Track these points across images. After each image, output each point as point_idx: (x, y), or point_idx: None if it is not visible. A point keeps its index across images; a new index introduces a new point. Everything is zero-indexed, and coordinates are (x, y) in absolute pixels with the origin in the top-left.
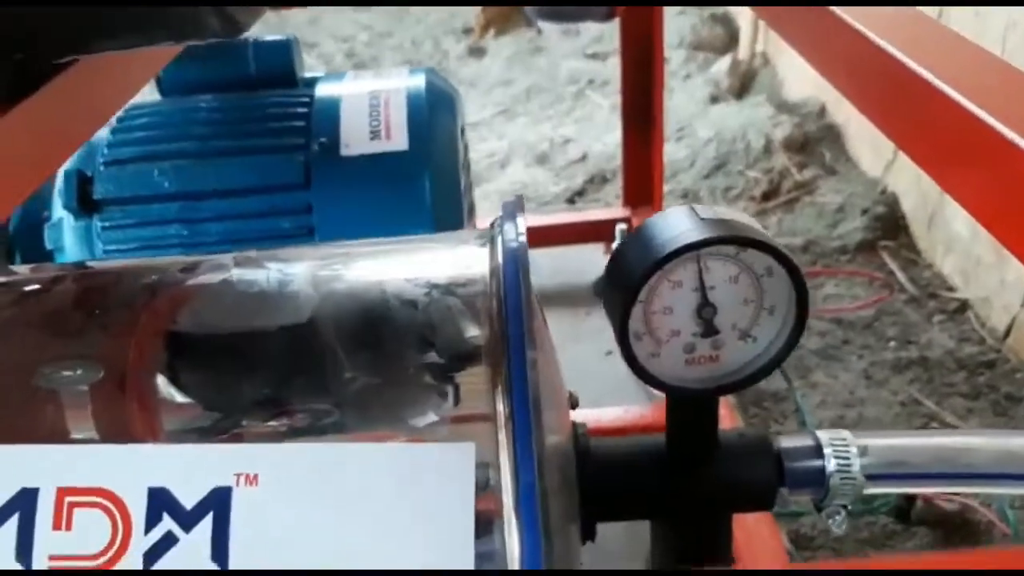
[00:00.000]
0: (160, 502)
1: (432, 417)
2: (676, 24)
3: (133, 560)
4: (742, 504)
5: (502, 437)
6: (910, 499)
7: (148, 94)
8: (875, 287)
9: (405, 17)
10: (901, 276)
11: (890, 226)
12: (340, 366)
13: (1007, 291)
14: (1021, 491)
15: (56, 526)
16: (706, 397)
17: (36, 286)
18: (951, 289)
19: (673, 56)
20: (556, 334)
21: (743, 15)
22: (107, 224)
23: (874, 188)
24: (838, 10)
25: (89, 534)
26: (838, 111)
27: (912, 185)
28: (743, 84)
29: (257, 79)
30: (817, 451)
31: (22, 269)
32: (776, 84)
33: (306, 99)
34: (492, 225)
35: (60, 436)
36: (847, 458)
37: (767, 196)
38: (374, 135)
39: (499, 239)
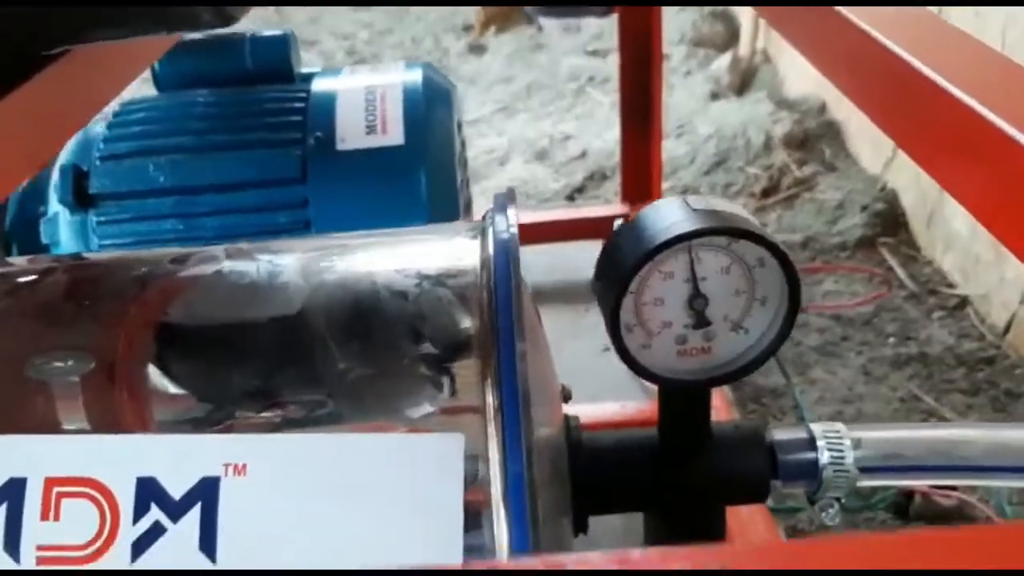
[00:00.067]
0: (148, 492)
1: (422, 408)
2: (677, 21)
3: (121, 550)
4: (735, 496)
5: (491, 429)
6: (908, 495)
7: (145, 89)
8: (874, 283)
9: (405, 15)
10: (901, 273)
11: (890, 223)
12: (330, 357)
13: (1007, 288)
14: (1015, 483)
15: (44, 516)
16: (698, 389)
17: (27, 278)
18: (951, 286)
19: (674, 53)
20: (554, 330)
21: (744, 12)
22: (103, 219)
23: (874, 185)
24: (839, 9)
25: (77, 524)
26: (838, 108)
27: (912, 182)
28: (744, 81)
29: (254, 74)
30: (810, 443)
31: (17, 261)
32: (777, 81)
33: (302, 94)
34: (484, 217)
35: (49, 426)
36: (840, 450)
37: (767, 192)
38: (370, 130)
39: (490, 231)
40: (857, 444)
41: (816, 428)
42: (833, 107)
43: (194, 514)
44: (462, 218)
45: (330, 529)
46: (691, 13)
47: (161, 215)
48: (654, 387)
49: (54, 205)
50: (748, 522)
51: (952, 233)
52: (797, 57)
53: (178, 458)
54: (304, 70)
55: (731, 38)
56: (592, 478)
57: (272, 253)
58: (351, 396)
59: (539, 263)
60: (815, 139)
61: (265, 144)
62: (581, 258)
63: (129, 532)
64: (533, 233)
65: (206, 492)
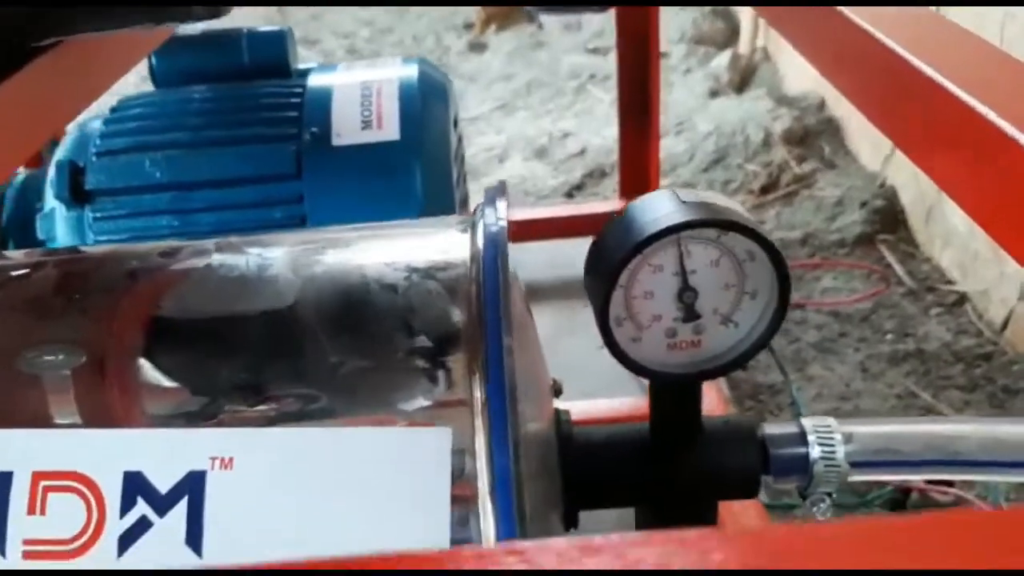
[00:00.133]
0: (135, 486)
1: (410, 402)
2: (677, 19)
3: (107, 544)
4: (726, 491)
5: (478, 423)
6: (905, 491)
7: (145, 87)
8: (873, 280)
9: (406, 13)
10: (899, 269)
11: (888, 219)
12: (318, 350)
13: (1005, 284)
14: (1007, 478)
15: (31, 510)
16: (689, 382)
17: (17, 271)
18: (949, 282)
19: (674, 50)
20: (552, 326)
21: (744, 10)
22: (99, 215)
23: (873, 182)
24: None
25: (64, 518)
26: (838, 105)
27: (911, 179)
28: (743, 78)
29: (251, 70)
30: (801, 438)
31: (7, 254)
32: (776, 78)
33: (299, 89)
34: (475, 211)
35: (39, 420)
36: (831, 445)
37: (766, 190)
38: (366, 125)
39: (480, 224)
40: (848, 439)
41: (807, 423)
42: (832, 104)
43: (181, 508)
44: (458, 213)
45: (317, 523)
46: (691, 11)
47: (157, 211)
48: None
49: (50, 201)
50: (744, 520)
51: (951, 230)
52: (797, 55)
53: (164, 452)
54: (301, 66)
55: (731, 36)
56: (582, 472)
57: (262, 246)
58: (339, 389)
59: (537, 260)
60: (814, 136)
61: (260, 140)
62: (579, 255)
63: (116, 526)
64: (532, 230)
65: (192, 486)
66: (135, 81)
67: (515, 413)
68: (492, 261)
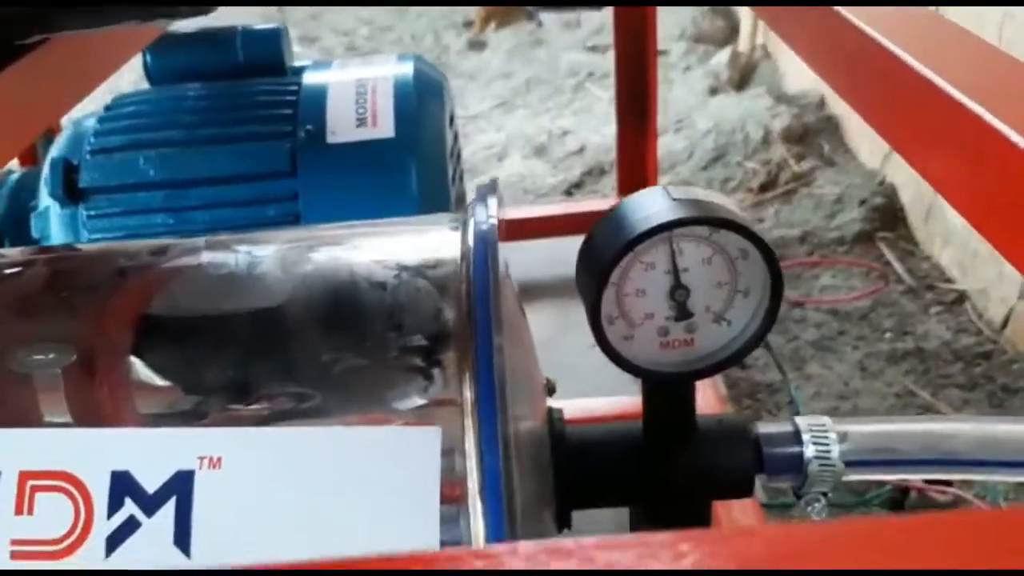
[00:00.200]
0: (122, 486)
1: (400, 401)
2: (677, 16)
3: (95, 545)
4: (720, 490)
5: (468, 422)
6: (903, 491)
7: (139, 83)
8: (872, 278)
9: (406, 11)
10: (898, 267)
11: (888, 217)
12: (307, 349)
13: (1004, 283)
14: (1002, 478)
15: (18, 510)
16: (682, 381)
17: (8, 269)
18: (949, 280)
19: (673, 48)
20: (549, 325)
21: (744, 8)
22: (93, 213)
23: (872, 179)
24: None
25: (51, 518)
26: (837, 103)
27: (910, 177)
28: (743, 76)
29: (246, 67)
30: (796, 437)
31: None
32: (776, 76)
33: (293, 87)
34: (466, 208)
35: (27, 419)
36: (826, 444)
37: (765, 187)
38: (360, 122)
39: (471, 222)
40: (843, 438)
41: (801, 422)
42: (832, 102)
43: (168, 508)
44: (454, 211)
45: (305, 522)
46: (691, 9)
47: (151, 209)
48: None
49: (45, 199)
50: (740, 519)
51: (950, 228)
52: None
53: (152, 452)
54: (296, 63)
55: (731, 33)
56: (575, 472)
57: (252, 244)
58: (328, 388)
59: (536, 258)
60: (814, 134)
61: (255, 137)
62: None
63: (103, 526)
64: (530, 228)
65: (180, 486)
66: (133, 79)
67: (505, 412)
68: (482, 259)
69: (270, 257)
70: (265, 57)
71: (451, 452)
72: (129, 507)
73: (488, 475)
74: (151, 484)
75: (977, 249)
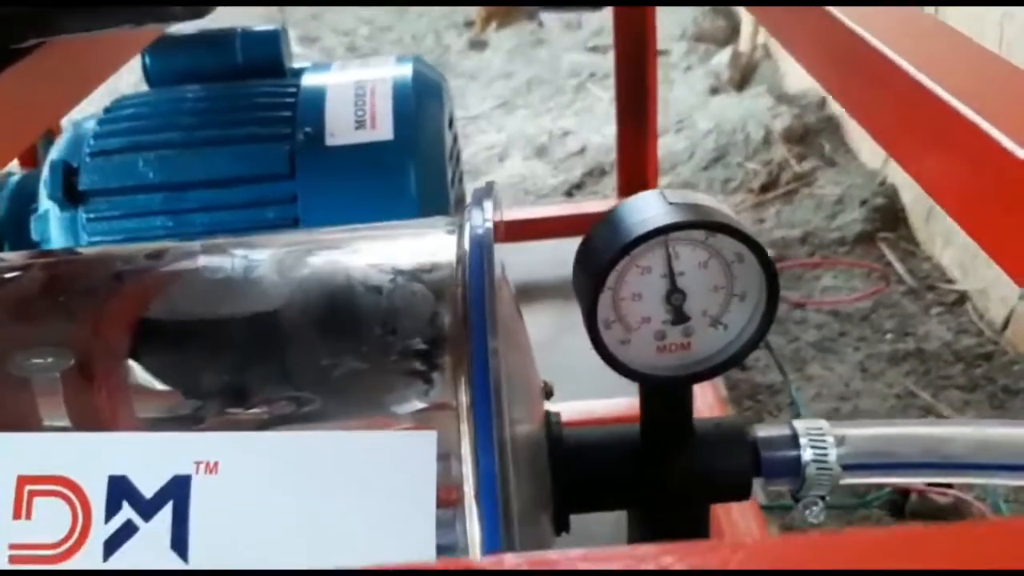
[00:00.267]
0: (120, 491)
1: (396, 405)
2: (678, 16)
3: (93, 549)
4: (717, 494)
5: (464, 426)
6: (904, 493)
7: (140, 85)
8: (873, 279)
9: (407, 11)
10: (899, 268)
11: (889, 218)
12: (303, 353)
13: (1005, 283)
14: (999, 481)
15: (16, 515)
16: (679, 385)
17: (5, 273)
18: (949, 281)
19: (674, 48)
20: (551, 326)
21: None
22: (92, 215)
23: (873, 180)
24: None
25: (49, 523)
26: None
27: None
28: (744, 76)
29: (245, 69)
30: (793, 441)
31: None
32: (777, 76)
33: (292, 89)
34: (462, 212)
35: (25, 423)
36: (823, 448)
37: (766, 188)
38: (359, 124)
39: (467, 225)
40: (840, 441)
41: (799, 425)
42: (833, 102)
43: (166, 512)
44: (453, 213)
45: (301, 527)
46: (692, 8)
47: (150, 211)
48: None
49: (44, 202)
50: (740, 521)
51: (951, 228)
52: None
53: (149, 456)
54: (295, 65)
55: (732, 33)
56: (572, 475)
57: (249, 248)
58: (323, 393)
59: (537, 259)
60: (815, 134)
61: (254, 139)
62: None
63: (101, 531)
64: (531, 229)
65: (177, 490)
66: (133, 81)
67: (501, 416)
68: (478, 263)
69: (267, 261)
70: (264, 59)
71: (447, 456)
72: (127, 511)
73: (484, 479)
74: (148, 488)
75: (978, 250)
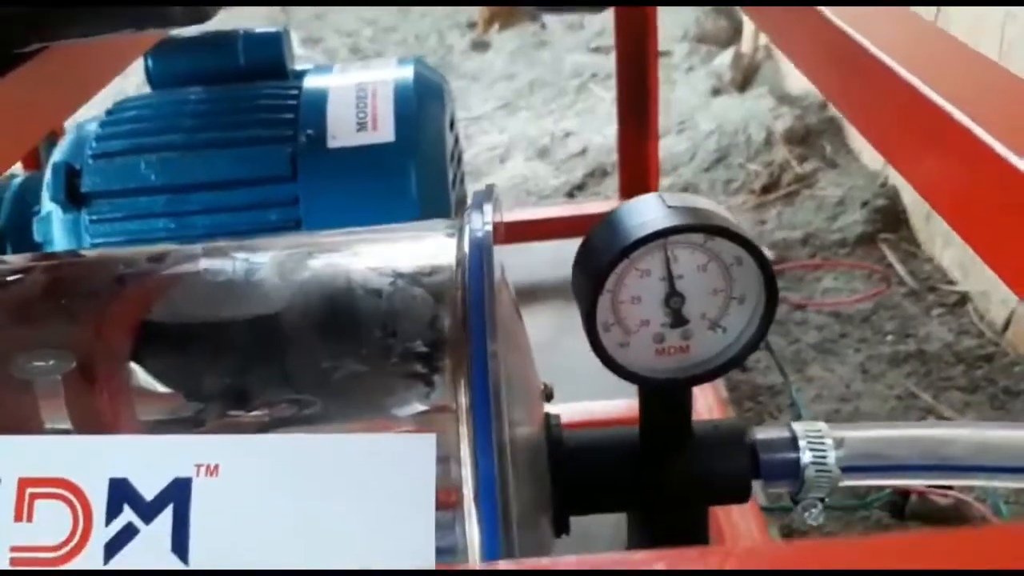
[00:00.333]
0: (121, 493)
1: (396, 408)
2: (680, 17)
3: (94, 552)
4: (716, 496)
5: (463, 429)
6: (904, 494)
7: (143, 88)
8: (874, 280)
9: (410, 12)
10: (900, 269)
11: (890, 219)
12: (303, 356)
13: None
14: (999, 483)
15: (18, 517)
16: (678, 388)
17: (7, 276)
18: (950, 282)
19: (676, 49)
20: (552, 327)
21: None
22: (95, 217)
23: (874, 181)
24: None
25: (50, 525)
26: None
27: None
28: (746, 77)
29: (247, 71)
30: (792, 443)
31: (3, 259)
32: (779, 77)
33: (294, 91)
34: (463, 215)
35: (27, 425)
36: (822, 450)
37: (767, 189)
38: (361, 127)
39: (467, 228)
40: (839, 444)
41: (798, 427)
42: None
43: (166, 515)
44: (454, 215)
45: (301, 530)
46: (694, 9)
47: (153, 213)
48: None
49: (47, 204)
50: (740, 522)
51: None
52: None
53: (150, 459)
54: (297, 67)
55: (734, 34)
56: (572, 477)
57: (249, 251)
58: (323, 396)
59: (539, 260)
60: (816, 135)
61: (256, 141)
62: None
63: (102, 533)
64: (533, 230)
65: (178, 493)
66: (137, 82)
67: (500, 418)
68: (477, 266)
69: (267, 264)
70: (266, 61)
71: (447, 459)
72: (127, 514)
73: (483, 482)
74: (149, 491)
75: None
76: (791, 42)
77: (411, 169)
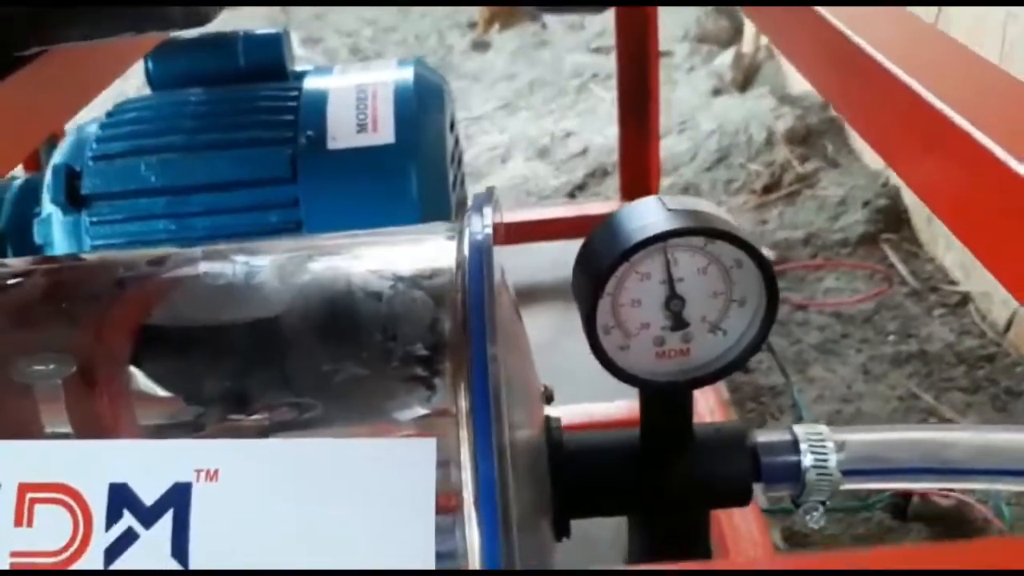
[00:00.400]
0: (121, 498)
1: (396, 412)
2: (681, 17)
3: (94, 557)
4: (717, 499)
5: (463, 432)
6: (906, 496)
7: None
8: (876, 280)
9: (410, 12)
10: (902, 269)
11: (892, 219)
12: (303, 360)
13: None
14: (1000, 486)
15: (18, 522)
16: (678, 390)
17: (6, 280)
18: (952, 282)
19: (677, 49)
20: (553, 328)
21: None
22: (95, 219)
23: (876, 181)
24: (815, 8)
25: (50, 531)
26: None
27: None
28: (747, 77)
29: (247, 72)
30: (793, 446)
31: (3, 262)
32: (779, 77)
33: (294, 92)
34: (462, 217)
35: (26, 430)
36: (824, 453)
37: (768, 189)
38: (361, 128)
39: (467, 231)
40: (840, 447)
41: (799, 430)
42: None
43: (166, 520)
44: (455, 217)
45: (301, 534)
46: (695, 9)
47: (153, 215)
48: None
49: (47, 206)
50: (742, 525)
51: None
52: None
53: (150, 464)
54: (297, 68)
55: (735, 34)
56: (572, 480)
57: (250, 254)
58: (323, 400)
59: (539, 261)
60: (817, 135)
61: (256, 143)
62: None
63: (102, 538)
64: (533, 231)
65: (178, 498)
66: (138, 84)
67: (500, 422)
68: (477, 269)
69: (267, 267)
70: (266, 62)
71: (447, 462)
72: (127, 519)
73: (483, 485)
74: (149, 496)
75: None
76: (791, 43)
77: (411, 171)
